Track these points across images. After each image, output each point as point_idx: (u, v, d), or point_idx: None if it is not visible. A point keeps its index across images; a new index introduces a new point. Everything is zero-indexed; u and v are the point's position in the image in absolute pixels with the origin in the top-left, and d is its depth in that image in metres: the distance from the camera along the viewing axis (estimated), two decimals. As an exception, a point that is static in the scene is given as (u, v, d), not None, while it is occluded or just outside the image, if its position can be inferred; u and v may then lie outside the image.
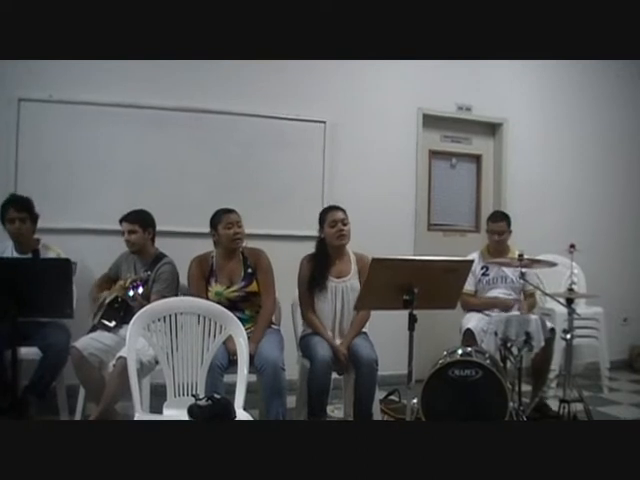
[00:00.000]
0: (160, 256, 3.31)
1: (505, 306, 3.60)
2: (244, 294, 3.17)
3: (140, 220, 3.26)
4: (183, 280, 3.31)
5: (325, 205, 3.66)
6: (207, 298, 3.09)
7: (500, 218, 3.84)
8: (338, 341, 3.21)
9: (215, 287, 3.16)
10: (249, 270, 3.22)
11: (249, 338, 2.81)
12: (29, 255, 3.25)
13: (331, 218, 3.26)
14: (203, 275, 3.19)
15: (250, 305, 3.19)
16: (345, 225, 3.26)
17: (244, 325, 2.67)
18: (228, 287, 3.16)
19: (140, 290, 3.11)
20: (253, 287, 3.19)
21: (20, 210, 3.26)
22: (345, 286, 3.27)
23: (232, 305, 3.06)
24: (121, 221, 3.27)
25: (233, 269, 3.22)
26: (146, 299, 3.05)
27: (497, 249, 3.80)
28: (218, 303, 3.02)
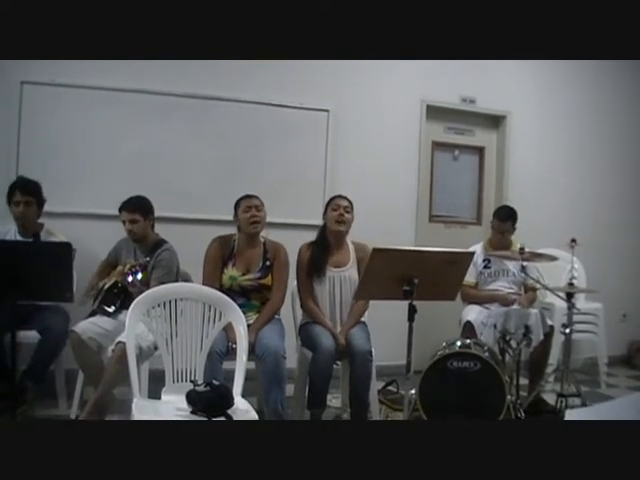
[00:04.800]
0: (160, 242, 3.27)
1: (505, 301, 3.59)
2: (257, 285, 3.15)
3: (140, 208, 3.21)
4: (184, 266, 3.31)
5: (327, 194, 3.66)
6: (220, 280, 3.10)
7: (507, 218, 3.77)
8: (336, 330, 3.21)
9: (231, 271, 3.14)
10: (267, 263, 3.20)
11: (250, 326, 2.82)
12: (31, 239, 3.25)
13: (335, 203, 3.30)
14: (222, 256, 3.17)
15: (259, 296, 3.17)
16: (347, 212, 3.27)
17: (248, 313, 2.64)
18: (244, 274, 3.15)
19: (139, 276, 3.09)
20: (267, 280, 3.17)
21: (26, 193, 3.25)
22: (343, 276, 3.27)
23: (242, 292, 3.07)
24: (120, 210, 3.21)
25: (252, 257, 3.20)
26: (145, 285, 3.02)
27: (500, 243, 3.79)
28: (229, 288, 3.05)
